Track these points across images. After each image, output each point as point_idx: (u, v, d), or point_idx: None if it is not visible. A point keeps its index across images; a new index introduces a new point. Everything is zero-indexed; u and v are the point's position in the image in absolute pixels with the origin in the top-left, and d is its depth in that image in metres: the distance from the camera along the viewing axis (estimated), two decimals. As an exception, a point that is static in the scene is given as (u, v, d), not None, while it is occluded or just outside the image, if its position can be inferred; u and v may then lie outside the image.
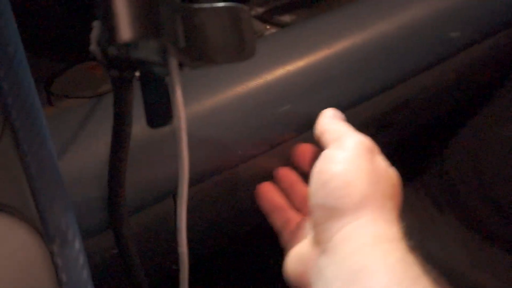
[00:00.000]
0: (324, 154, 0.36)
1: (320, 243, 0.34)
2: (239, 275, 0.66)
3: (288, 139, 0.43)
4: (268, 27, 0.52)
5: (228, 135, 0.39)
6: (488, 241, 0.65)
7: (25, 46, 0.24)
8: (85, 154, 0.33)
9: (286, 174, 0.42)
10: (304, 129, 0.43)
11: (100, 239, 0.34)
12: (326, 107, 0.43)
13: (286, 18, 0.55)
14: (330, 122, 0.39)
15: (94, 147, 0.33)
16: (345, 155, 0.34)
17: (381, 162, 0.36)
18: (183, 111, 0.25)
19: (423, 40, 0.51)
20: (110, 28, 0.21)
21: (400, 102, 0.55)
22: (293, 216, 0.41)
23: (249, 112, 0.40)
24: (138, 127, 0.30)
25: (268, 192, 0.42)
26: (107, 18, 0.21)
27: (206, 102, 0.39)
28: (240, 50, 0.28)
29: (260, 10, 0.55)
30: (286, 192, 0.42)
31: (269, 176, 0.43)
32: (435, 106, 0.63)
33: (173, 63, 0.25)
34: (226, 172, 0.39)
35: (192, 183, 0.38)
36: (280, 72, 0.42)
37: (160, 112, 0.27)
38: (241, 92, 0.40)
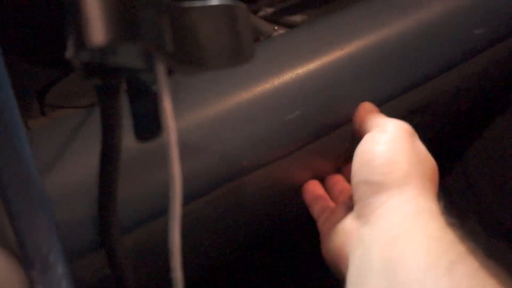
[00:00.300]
0: (367, 137, 0.37)
1: (362, 216, 0.35)
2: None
3: (298, 148, 0.40)
4: (276, 27, 0.49)
5: (231, 145, 0.36)
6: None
7: (18, 54, 0.22)
8: (74, 169, 0.31)
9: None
10: (315, 137, 0.40)
11: (93, 259, 0.31)
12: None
13: (297, 18, 0.52)
14: (370, 113, 0.40)
15: (84, 161, 0.31)
16: (388, 137, 0.36)
17: (421, 146, 0.37)
18: (173, 122, 0.23)
19: (444, 39, 0.48)
20: (80, 31, 0.18)
21: (420, 105, 0.51)
22: (332, 204, 0.43)
23: (254, 120, 0.37)
24: (131, 139, 0.28)
25: (312, 185, 0.45)
26: (77, 20, 0.18)
27: (207, 109, 0.36)
28: (237, 54, 0.25)
29: (269, 10, 0.53)
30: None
31: (276, 187, 0.40)
32: (457, 108, 0.59)
33: (160, 69, 0.22)
34: (230, 184, 0.37)
35: (191, 197, 0.36)
36: (288, 75, 0.40)
37: (149, 124, 0.25)
38: (246, 98, 0.37)
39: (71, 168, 0.30)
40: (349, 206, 0.39)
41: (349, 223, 0.36)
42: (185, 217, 0.35)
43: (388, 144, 0.35)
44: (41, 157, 0.30)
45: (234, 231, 0.42)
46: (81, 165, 0.31)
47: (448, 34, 0.48)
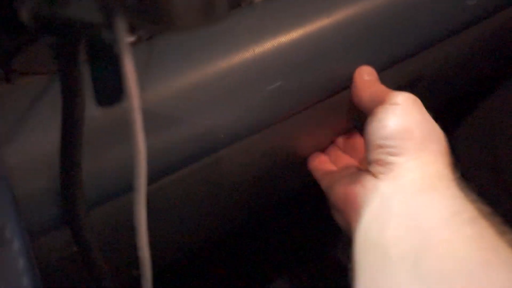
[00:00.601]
0: (379, 109, 0.37)
1: (379, 173, 0.35)
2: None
3: (278, 121, 0.38)
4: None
5: (207, 117, 0.34)
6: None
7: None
8: (35, 138, 0.28)
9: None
10: (296, 109, 0.38)
11: (59, 236, 0.29)
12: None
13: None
14: (370, 84, 0.40)
15: (46, 130, 0.28)
16: (400, 108, 0.36)
17: (429, 116, 0.37)
18: (134, 86, 0.21)
19: (436, 8, 0.46)
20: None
21: (411, 78, 0.49)
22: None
23: (233, 90, 0.35)
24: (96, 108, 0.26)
25: (319, 158, 0.46)
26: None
27: (183, 77, 0.34)
28: (208, 10, 0.22)
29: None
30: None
31: (256, 161, 0.38)
32: (449, 82, 0.57)
33: (120, 25, 0.20)
34: (206, 159, 0.35)
35: (162, 173, 0.34)
36: (270, 44, 0.37)
37: (110, 88, 0.22)
38: (224, 66, 0.35)
39: (31, 138, 0.28)
40: (354, 167, 0.41)
41: (363, 177, 0.37)
42: (156, 194, 0.33)
43: (401, 116, 0.36)
44: (-1, 125, 0.28)
45: (210, 212, 0.41)
46: (42, 134, 0.28)
47: (440, 4, 0.46)
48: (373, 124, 0.36)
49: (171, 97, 0.33)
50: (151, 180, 0.28)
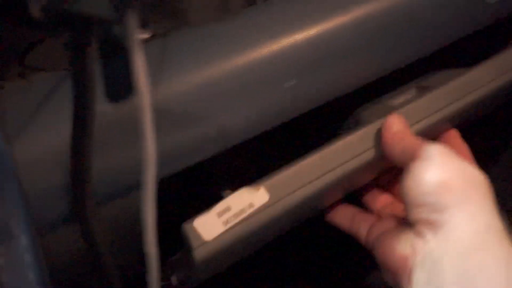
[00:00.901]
0: (413, 165, 0.35)
1: (425, 234, 0.34)
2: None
3: (292, 117, 0.37)
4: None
5: (221, 114, 0.34)
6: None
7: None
8: (46, 135, 0.28)
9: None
10: (311, 106, 0.37)
11: (67, 232, 0.29)
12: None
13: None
14: (401, 136, 0.38)
15: (57, 126, 0.28)
16: (434, 162, 0.35)
17: (465, 163, 0.36)
18: (144, 81, 0.20)
19: (455, 7, 0.45)
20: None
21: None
22: (373, 217, 0.43)
23: (248, 87, 0.35)
24: (109, 105, 0.26)
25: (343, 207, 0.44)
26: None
27: (198, 74, 0.33)
28: (223, 6, 0.22)
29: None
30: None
31: (271, 157, 0.38)
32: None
33: (131, 20, 0.20)
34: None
35: (174, 170, 0.33)
36: (286, 41, 0.37)
37: (121, 83, 0.22)
38: (239, 63, 0.35)
39: (43, 134, 0.28)
40: (399, 218, 0.40)
41: (410, 238, 0.35)
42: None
43: (437, 169, 0.34)
44: (11, 121, 0.28)
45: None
46: (54, 130, 0.28)
47: (460, 2, 0.45)
48: (409, 181, 0.35)
49: (185, 94, 0.32)
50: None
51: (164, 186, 0.28)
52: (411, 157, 0.36)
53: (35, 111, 0.28)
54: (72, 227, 0.28)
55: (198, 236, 0.33)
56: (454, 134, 0.46)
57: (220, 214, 0.34)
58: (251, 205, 0.35)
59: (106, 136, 0.29)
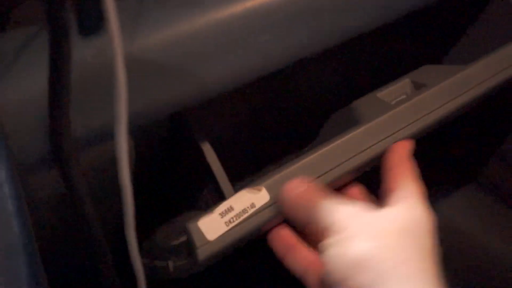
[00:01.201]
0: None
1: None
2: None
3: (266, 74, 0.38)
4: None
5: (196, 67, 0.35)
6: None
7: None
8: (25, 81, 0.30)
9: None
10: (285, 62, 0.38)
11: (49, 176, 0.30)
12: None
13: None
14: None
15: (37, 72, 0.30)
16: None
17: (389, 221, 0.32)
18: (115, 20, 0.23)
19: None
20: None
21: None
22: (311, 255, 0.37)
23: (222, 42, 0.36)
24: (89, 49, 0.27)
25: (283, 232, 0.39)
26: None
27: (173, 28, 0.35)
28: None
29: None
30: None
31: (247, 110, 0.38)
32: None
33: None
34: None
35: (147, 121, 0.34)
36: None
37: (92, 18, 0.24)
38: (214, 19, 0.36)
39: (23, 80, 0.30)
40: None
41: None
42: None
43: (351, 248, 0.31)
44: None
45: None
46: (33, 75, 0.30)
47: None
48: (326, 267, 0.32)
49: (161, 48, 0.34)
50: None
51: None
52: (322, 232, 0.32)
53: (15, 58, 0.30)
54: (53, 171, 0.29)
55: (202, 235, 0.33)
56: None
57: (222, 214, 0.35)
58: (252, 205, 0.35)
59: (83, 84, 0.30)
